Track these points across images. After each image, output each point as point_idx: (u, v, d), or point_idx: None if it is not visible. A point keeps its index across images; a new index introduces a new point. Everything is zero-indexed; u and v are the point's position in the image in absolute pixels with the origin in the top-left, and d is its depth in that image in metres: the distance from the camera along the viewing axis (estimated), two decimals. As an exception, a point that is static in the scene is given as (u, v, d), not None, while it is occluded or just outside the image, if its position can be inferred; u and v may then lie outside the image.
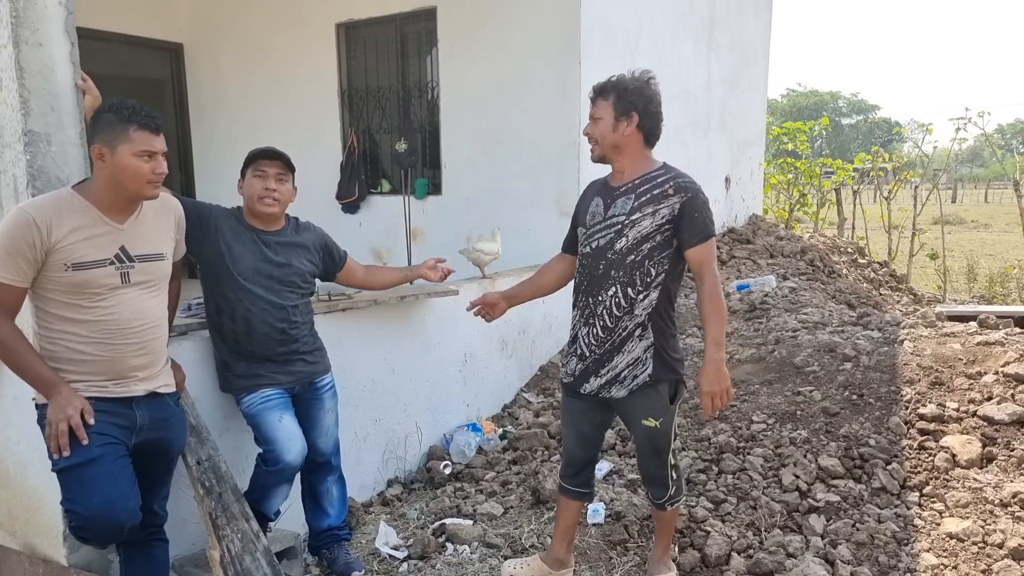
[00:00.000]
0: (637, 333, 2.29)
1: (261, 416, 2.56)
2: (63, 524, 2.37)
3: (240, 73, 6.36)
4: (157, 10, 6.39)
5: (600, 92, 2.32)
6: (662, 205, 2.24)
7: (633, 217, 2.25)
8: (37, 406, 2.05)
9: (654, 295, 2.28)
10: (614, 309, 2.29)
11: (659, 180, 2.28)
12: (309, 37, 5.93)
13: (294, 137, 6.00)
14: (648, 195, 2.26)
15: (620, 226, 2.26)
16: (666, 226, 2.24)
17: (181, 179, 6.88)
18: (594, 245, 2.32)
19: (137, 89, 6.89)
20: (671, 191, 2.25)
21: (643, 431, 2.37)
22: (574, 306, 2.43)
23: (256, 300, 2.53)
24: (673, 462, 2.44)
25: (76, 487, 1.94)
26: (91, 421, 1.95)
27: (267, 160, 2.56)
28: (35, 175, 2.17)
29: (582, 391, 2.40)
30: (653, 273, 2.27)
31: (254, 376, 2.58)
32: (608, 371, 2.33)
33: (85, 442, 1.93)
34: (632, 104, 2.27)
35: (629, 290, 2.27)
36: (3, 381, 2.49)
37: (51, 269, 1.94)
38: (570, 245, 2.55)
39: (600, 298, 2.30)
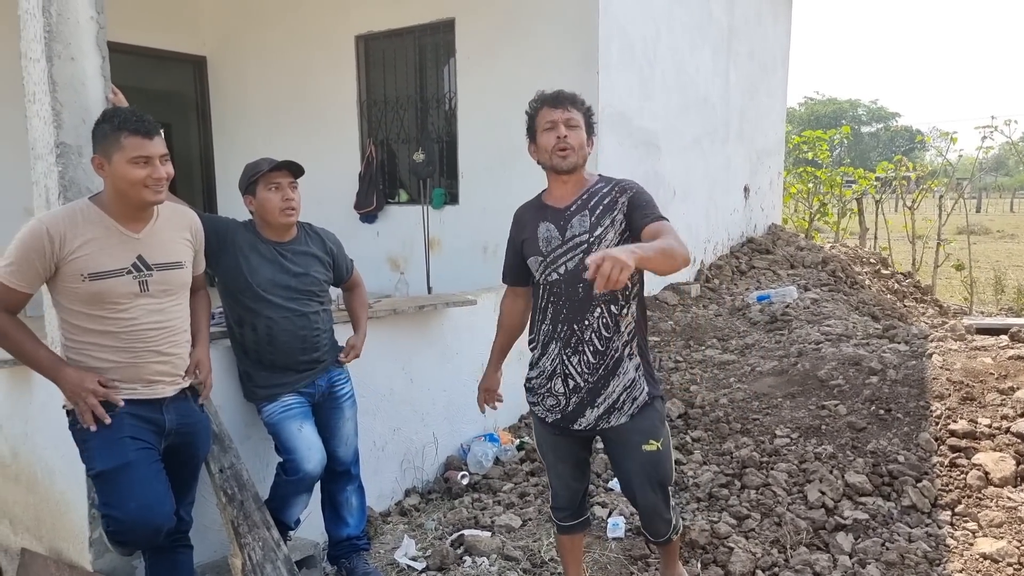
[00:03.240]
0: (627, 353, 2.20)
1: (281, 425, 2.57)
2: (88, 529, 2.40)
3: (261, 85, 6.44)
4: (181, 24, 6.51)
5: (572, 101, 2.19)
6: (615, 211, 2.16)
7: (596, 233, 2.14)
8: (68, 412, 2.07)
9: (633, 307, 2.22)
10: (603, 330, 2.16)
11: (604, 190, 2.20)
12: (329, 49, 6.00)
13: (313, 147, 6.06)
14: (600, 207, 2.17)
15: (586, 245, 2.13)
16: (624, 230, 2.15)
17: (203, 188, 6.98)
18: (562, 270, 2.15)
19: (162, 101, 7.01)
20: (617, 193, 2.18)
21: (644, 459, 2.21)
22: (549, 339, 2.21)
23: (277, 310, 2.55)
24: (673, 496, 2.37)
25: (113, 492, 1.96)
26: (110, 391, 1.98)
27: (278, 172, 2.55)
28: (66, 186, 2.20)
29: (575, 427, 2.22)
30: (629, 285, 2.18)
31: (275, 385, 2.60)
32: (604, 399, 2.18)
33: (108, 422, 1.96)
34: (593, 128, 2.24)
35: (612, 307, 2.16)
36: (32, 387, 2.53)
37: (68, 280, 1.96)
38: (518, 277, 2.36)
39: (587, 322, 2.15)
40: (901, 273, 8.34)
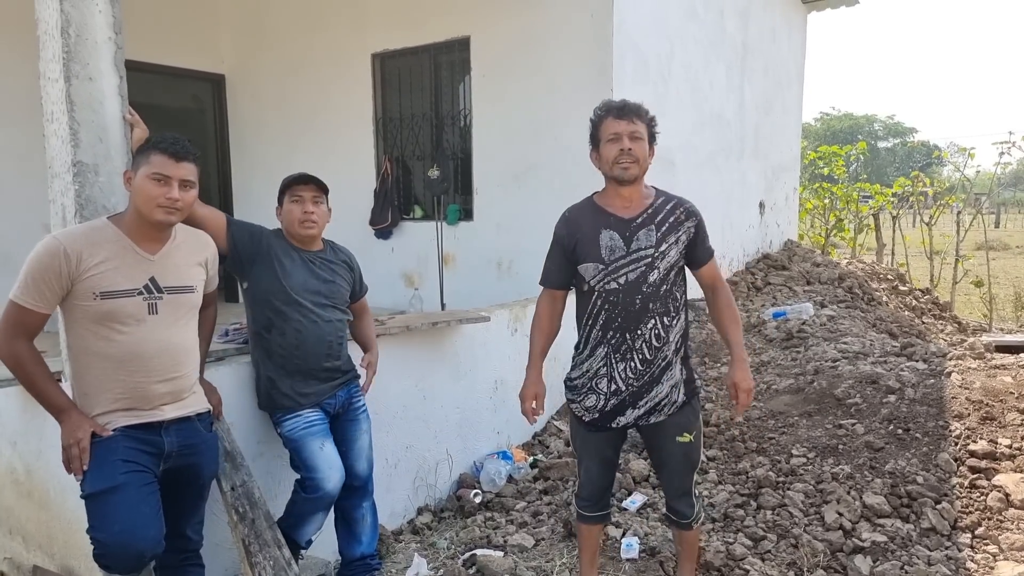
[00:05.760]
0: (671, 360, 2.31)
1: (303, 442, 2.57)
2: (98, 548, 2.39)
3: (279, 102, 6.52)
4: (201, 43, 6.62)
5: (637, 113, 2.24)
6: (680, 232, 2.28)
7: (661, 248, 2.25)
8: None
9: (681, 319, 2.33)
10: (654, 341, 2.26)
11: (669, 207, 2.30)
12: (345, 67, 6.07)
13: (329, 164, 6.11)
14: (666, 224, 2.27)
15: (650, 259, 2.24)
16: (684, 251, 2.30)
17: (220, 204, 7.05)
18: (622, 280, 2.24)
19: (181, 118, 7.12)
20: (683, 216, 2.30)
21: (678, 449, 2.36)
22: (600, 343, 2.30)
23: (307, 313, 2.59)
24: (697, 479, 2.44)
25: (99, 514, 1.95)
26: (105, 434, 1.99)
27: (302, 185, 2.64)
28: (83, 204, 2.22)
29: (614, 425, 2.35)
30: (679, 298, 2.32)
31: (299, 395, 2.60)
32: (647, 402, 2.31)
33: (85, 467, 1.95)
34: (655, 138, 2.31)
35: (665, 319, 2.27)
36: (46, 405, 2.54)
37: (80, 298, 1.97)
38: (562, 281, 2.38)
39: (639, 332, 2.26)
40: (919, 289, 8.23)
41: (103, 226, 2.04)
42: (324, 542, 2.85)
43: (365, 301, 2.95)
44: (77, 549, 2.54)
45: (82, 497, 1.99)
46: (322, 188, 2.68)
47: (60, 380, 2.43)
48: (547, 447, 4.06)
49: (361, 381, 2.84)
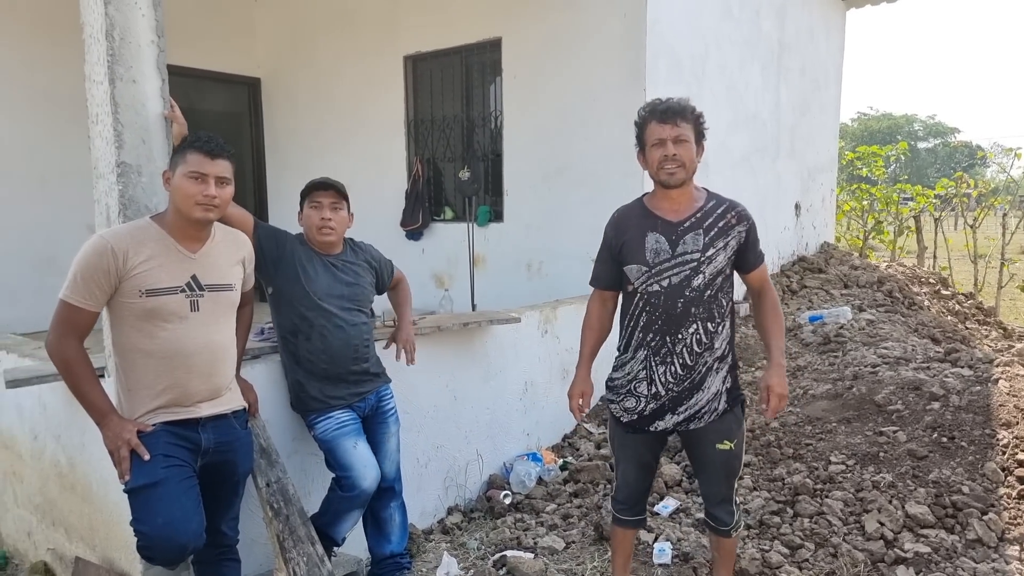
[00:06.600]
0: (715, 367, 2.27)
1: (336, 442, 2.59)
2: (138, 541, 2.44)
3: (312, 104, 6.61)
4: (237, 47, 6.75)
5: (681, 113, 2.19)
6: (730, 237, 2.25)
7: (708, 253, 2.22)
8: None
9: (727, 325, 2.28)
10: (695, 346, 2.23)
11: (720, 211, 2.26)
12: (378, 69, 6.12)
13: (361, 165, 6.17)
14: (715, 228, 2.24)
15: (696, 263, 2.21)
16: (733, 256, 2.27)
17: (255, 206, 7.17)
18: (666, 283, 2.22)
19: (218, 121, 7.27)
20: (734, 220, 2.26)
21: (718, 456, 2.32)
22: (640, 345, 2.29)
23: (332, 318, 2.60)
24: (736, 486, 2.40)
25: (143, 508, 1.99)
26: (147, 429, 2.02)
27: (321, 191, 2.65)
28: (126, 204, 2.27)
29: (652, 429, 2.33)
30: (724, 304, 2.27)
31: (329, 397, 2.63)
32: (687, 408, 2.27)
33: (147, 457, 1.98)
34: (703, 134, 2.26)
35: (709, 325, 2.24)
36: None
37: (126, 295, 2.01)
38: (610, 282, 2.39)
39: (680, 336, 2.23)
40: (962, 294, 7.98)
41: (146, 225, 2.09)
42: (356, 540, 2.87)
43: (399, 274, 2.99)
44: (118, 541, 2.59)
45: (125, 491, 2.03)
46: (342, 194, 2.68)
47: (102, 376, 2.49)
48: (577, 450, 4.03)
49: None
